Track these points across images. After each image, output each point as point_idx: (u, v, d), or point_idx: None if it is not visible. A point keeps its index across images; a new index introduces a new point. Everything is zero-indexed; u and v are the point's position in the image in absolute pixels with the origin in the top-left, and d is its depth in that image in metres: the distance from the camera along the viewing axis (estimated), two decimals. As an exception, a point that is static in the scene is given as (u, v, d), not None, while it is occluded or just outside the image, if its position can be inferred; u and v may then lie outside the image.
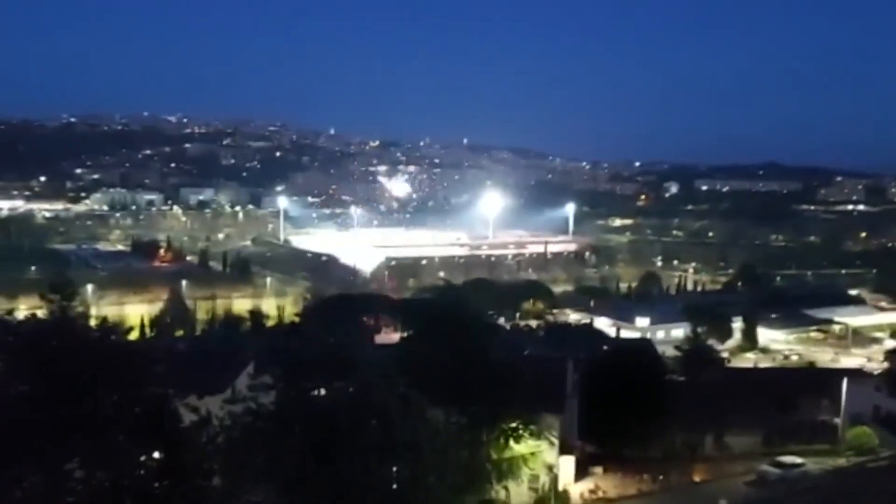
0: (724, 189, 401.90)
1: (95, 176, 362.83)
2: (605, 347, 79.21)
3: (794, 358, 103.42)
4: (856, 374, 68.04)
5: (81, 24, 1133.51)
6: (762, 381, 71.61)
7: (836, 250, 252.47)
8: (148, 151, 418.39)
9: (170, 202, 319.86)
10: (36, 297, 28.44)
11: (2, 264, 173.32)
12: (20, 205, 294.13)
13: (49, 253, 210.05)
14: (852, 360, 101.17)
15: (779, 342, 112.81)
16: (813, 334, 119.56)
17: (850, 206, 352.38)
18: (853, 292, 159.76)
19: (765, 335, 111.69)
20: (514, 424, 44.94)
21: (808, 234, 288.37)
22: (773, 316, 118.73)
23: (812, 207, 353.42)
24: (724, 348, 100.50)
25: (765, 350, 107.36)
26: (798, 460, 54.14)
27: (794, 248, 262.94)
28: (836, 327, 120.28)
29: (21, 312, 27.50)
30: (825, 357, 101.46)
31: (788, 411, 61.63)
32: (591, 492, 48.80)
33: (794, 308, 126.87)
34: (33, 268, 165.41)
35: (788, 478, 51.64)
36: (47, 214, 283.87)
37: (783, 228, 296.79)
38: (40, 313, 26.30)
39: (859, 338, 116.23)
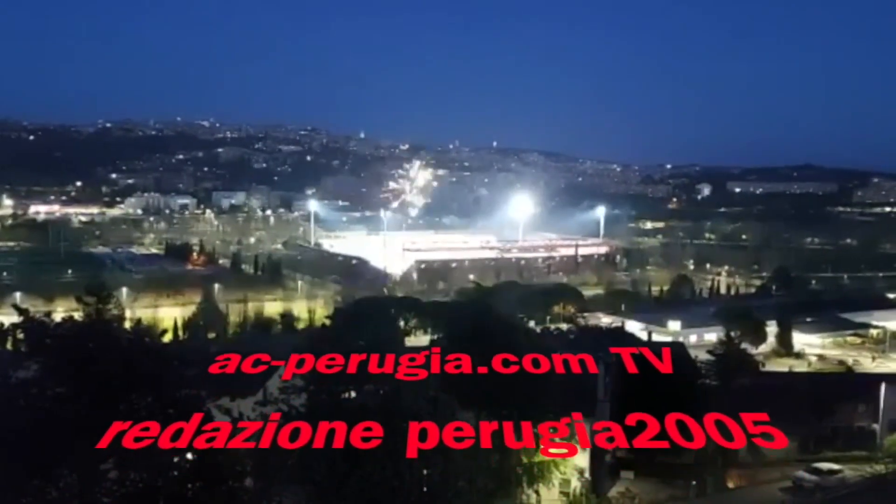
0: (758, 191, 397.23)
1: (130, 180, 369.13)
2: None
3: (834, 362, 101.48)
4: (894, 380, 66.58)
5: (115, 32, 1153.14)
6: (797, 385, 70.29)
7: (873, 253, 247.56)
8: (181, 156, 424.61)
9: (202, 206, 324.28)
10: (72, 299, 28.84)
11: (39, 267, 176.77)
12: (57, 209, 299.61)
13: (85, 256, 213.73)
14: (891, 364, 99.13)
15: (814, 346, 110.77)
16: (850, 339, 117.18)
17: (888, 208, 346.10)
18: (891, 296, 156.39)
19: (800, 339, 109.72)
20: (544, 428, 44.66)
21: (844, 237, 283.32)
22: (809, 320, 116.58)
23: (848, 209, 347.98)
24: (759, 352, 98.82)
25: (800, 354, 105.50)
26: (835, 467, 53.32)
27: (829, 250, 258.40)
28: (874, 331, 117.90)
29: (58, 315, 27.87)
30: (863, 362, 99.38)
31: (824, 417, 60.61)
32: (623, 496, 48.36)
33: (831, 312, 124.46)
34: (69, 271, 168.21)
35: (825, 485, 50.86)
36: (83, 218, 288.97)
37: (819, 231, 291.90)
38: (77, 316, 26.68)
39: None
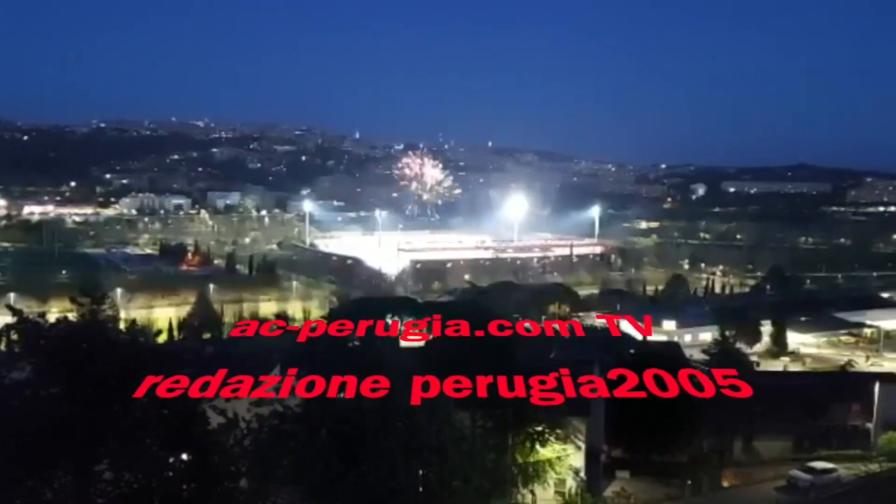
0: (752, 191, 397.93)
1: (124, 180, 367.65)
2: (631, 350, 78.41)
3: (828, 362, 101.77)
4: (888, 379, 66.81)
5: (110, 32, 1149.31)
6: (792, 385, 70.56)
7: (867, 252, 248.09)
8: (176, 156, 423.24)
9: (197, 206, 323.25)
10: (67, 300, 28.79)
11: (33, 268, 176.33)
12: (51, 209, 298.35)
13: (79, 257, 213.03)
14: (885, 364, 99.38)
15: (809, 346, 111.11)
16: (844, 338, 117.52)
17: (882, 208, 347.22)
18: (885, 295, 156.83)
19: (794, 339, 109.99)
20: (539, 428, 44.70)
21: (838, 236, 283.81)
22: (803, 319, 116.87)
23: (842, 209, 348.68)
24: (753, 352, 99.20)
25: (794, 353, 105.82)
26: (829, 466, 53.43)
27: (823, 250, 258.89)
28: (868, 331, 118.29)
29: (52, 315, 27.79)
30: (857, 361, 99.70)
31: (819, 416, 60.74)
32: (619, 495, 48.43)
33: (825, 311, 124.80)
34: (64, 271, 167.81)
35: (819, 484, 50.95)
36: (77, 219, 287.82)
37: (812, 230, 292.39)
38: (71, 316, 26.62)
39: (892, 341, 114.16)
